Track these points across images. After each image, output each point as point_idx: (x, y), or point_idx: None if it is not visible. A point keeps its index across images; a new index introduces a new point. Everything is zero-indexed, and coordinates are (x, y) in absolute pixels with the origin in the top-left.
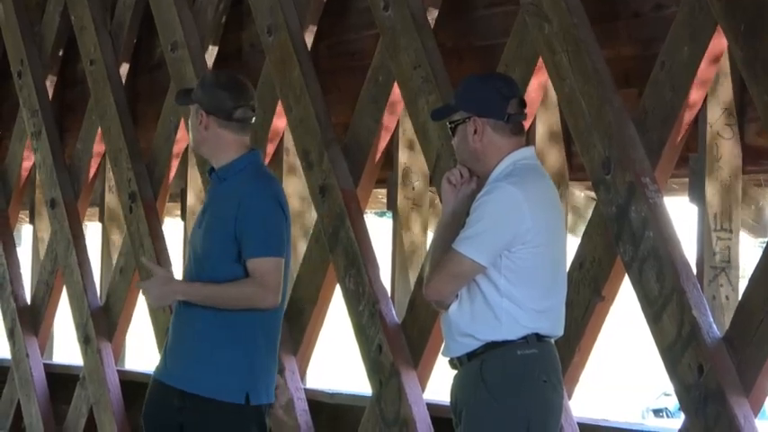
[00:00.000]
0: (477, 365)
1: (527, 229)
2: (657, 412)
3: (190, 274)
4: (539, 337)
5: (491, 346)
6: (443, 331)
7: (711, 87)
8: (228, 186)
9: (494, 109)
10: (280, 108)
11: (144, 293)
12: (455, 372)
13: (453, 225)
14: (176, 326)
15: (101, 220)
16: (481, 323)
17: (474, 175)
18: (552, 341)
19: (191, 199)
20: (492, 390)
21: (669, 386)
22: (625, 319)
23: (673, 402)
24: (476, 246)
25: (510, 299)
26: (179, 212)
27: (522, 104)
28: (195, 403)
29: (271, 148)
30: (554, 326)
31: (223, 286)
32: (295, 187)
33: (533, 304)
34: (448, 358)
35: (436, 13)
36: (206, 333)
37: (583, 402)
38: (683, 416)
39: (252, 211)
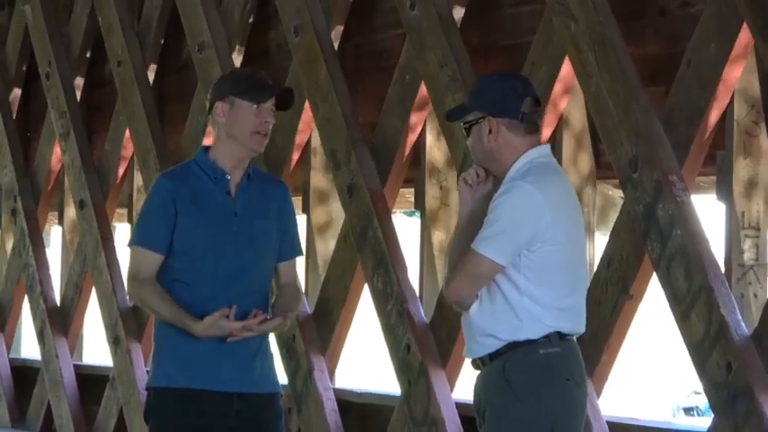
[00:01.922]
0: (500, 365)
1: (545, 227)
2: (688, 410)
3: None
4: (561, 336)
5: (513, 346)
6: (465, 332)
7: (738, 84)
8: None
9: (508, 108)
10: (307, 108)
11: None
12: (478, 372)
13: (471, 225)
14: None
15: (129, 221)
16: (502, 323)
17: (490, 175)
18: (574, 339)
19: None
20: (515, 389)
21: (699, 384)
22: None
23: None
24: (494, 246)
25: (530, 298)
26: None
27: (537, 103)
28: (253, 401)
29: (298, 149)
30: (576, 324)
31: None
32: (322, 187)
33: (555, 302)
34: (470, 359)
35: (462, 12)
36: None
37: (613, 401)
38: (713, 414)
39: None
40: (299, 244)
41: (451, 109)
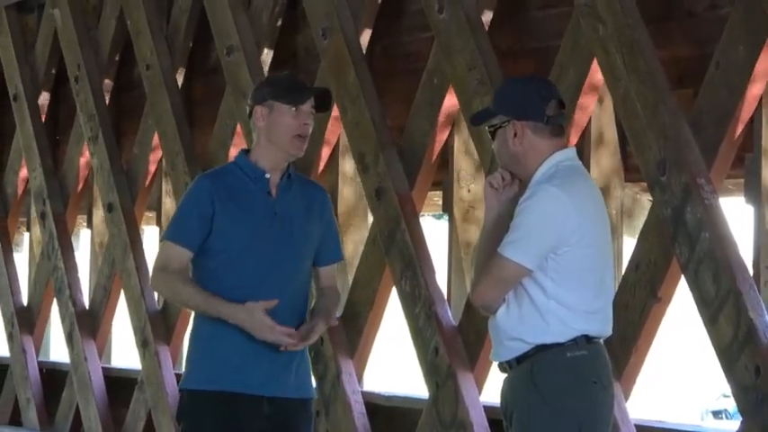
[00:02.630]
0: (527, 368)
1: (572, 230)
2: (717, 414)
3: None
4: (588, 339)
5: (540, 349)
6: (492, 336)
7: (767, 87)
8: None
9: (533, 111)
10: (335, 111)
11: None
12: (505, 375)
13: (497, 229)
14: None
15: (158, 224)
16: (529, 326)
17: (516, 178)
18: (601, 342)
19: None
20: (543, 392)
21: (728, 388)
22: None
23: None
24: (521, 249)
25: (557, 301)
26: None
27: (562, 105)
28: (285, 406)
29: (326, 152)
30: (603, 327)
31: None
32: (350, 190)
33: (582, 305)
34: (497, 362)
35: (491, 15)
36: None
37: (641, 403)
38: (741, 417)
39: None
40: (340, 248)
41: (476, 113)
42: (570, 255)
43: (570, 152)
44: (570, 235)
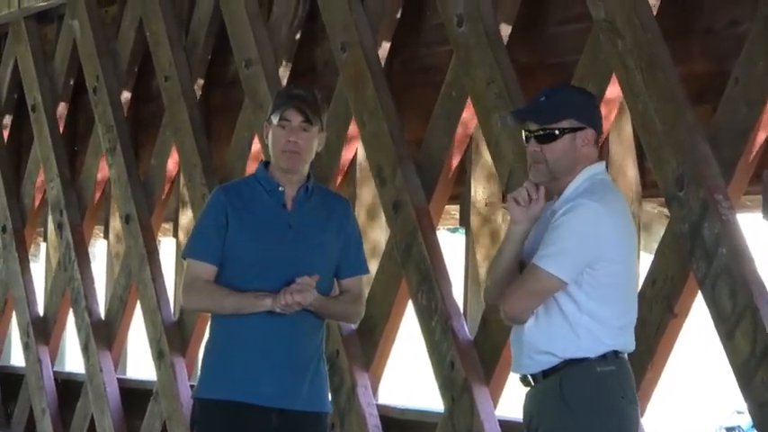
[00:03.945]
0: (555, 382)
1: (611, 245)
2: (730, 430)
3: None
4: (615, 354)
5: (569, 363)
6: (515, 347)
7: None
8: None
9: (598, 122)
10: (353, 124)
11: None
12: (527, 389)
13: (521, 244)
14: (285, 344)
15: (175, 235)
16: (559, 340)
17: (541, 194)
18: (626, 356)
19: None
20: (572, 407)
21: (742, 404)
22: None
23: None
24: (559, 262)
25: (590, 316)
26: None
27: None
28: (297, 418)
29: (344, 165)
30: (630, 342)
31: (343, 302)
32: (367, 203)
33: (614, 321)
34: (519, 375)
35: (510, 30)
36: (320, 350)
37: (656, 419)
38: None
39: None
40: (363, 261)
41: (535, 111)
42: (606, 270)
43: (602, 166)
44: (608, 250)
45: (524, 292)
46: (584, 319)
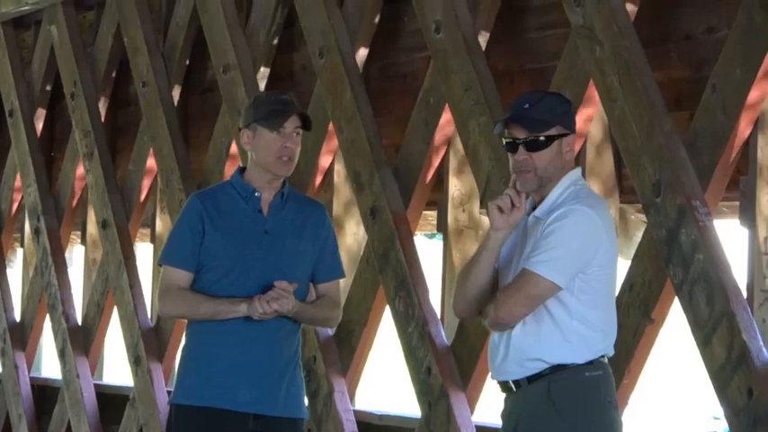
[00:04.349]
0: (543, 387)
1: (604, 250)
2: None
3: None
4: (601, 358)
5: (558, 369)
6: (498, 354)
7: (763, 110)
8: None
9: (575, 127)
10: (331, 130)
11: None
12: (507, 394)
13: (498, 252)
14: (261, 350)
15: (152, 241)
16: (549, 345)
17: (522, 200)
18: (606, 360)
19: None
20: (561, 412)
21: (719, 410)
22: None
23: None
24: (555, 268)
25: (581, 321)
26: None
27: None
28: (273, 424)
29: (321, 170)
30: (612, 346)
31: (320, 307)
32: (345, 209)
33: (603, 325)
34: (499, 380)
35: (488, 36)
36: (297, 356)
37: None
38: None
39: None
40: (339, 265)
41: (524, 118)
42: (596, 275)
43: (579, 172)
44: (601, 255)
45: (521, 298)
46: (574, 324)
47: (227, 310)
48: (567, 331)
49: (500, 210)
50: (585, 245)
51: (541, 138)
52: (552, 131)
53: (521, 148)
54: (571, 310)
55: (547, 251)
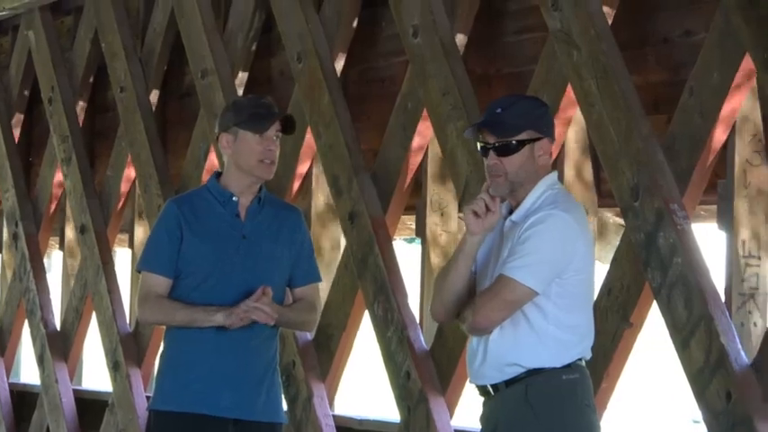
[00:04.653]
0: (520, 391)
1: (580, 255)
2: None
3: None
4: (578, 361)
5: (534, 372)
6: (477, 358)
7: (740, 113)
8: None
9: (552, 131)
10: (309, 134)
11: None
12: (484, 399)
13: (473, 256)
14: (240, 356)
15: (131, 246)
16: (525, 350)
17: (497, 205)
18: (584, 363)
19: None
20: (538, 415)
21: (697, 413)
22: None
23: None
24: (532, 273)
25: (557, 325)
26: None
27: None
28: (252, 429)
29: (299, 175)
30: (589, 349)
31: (298, 310)
32: (323, 214)
33: (580, 329)
34: (477, 385)
35: (465, 40)
36: (275, 362)
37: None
38: None
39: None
40: (316, 269)
41: (495, 123)
42: (573, 279)
43: (555, 176)
44: (578, 260)
45: (498, 303)
46: (550, 328)
47: (202, 319)
48: (544, 335)
49: (475, 214)
50: (562, 250)
51: (512, 142)
52: (523, 136)
53: (491, 153)
54: (548, 314)
55: (523, 256)
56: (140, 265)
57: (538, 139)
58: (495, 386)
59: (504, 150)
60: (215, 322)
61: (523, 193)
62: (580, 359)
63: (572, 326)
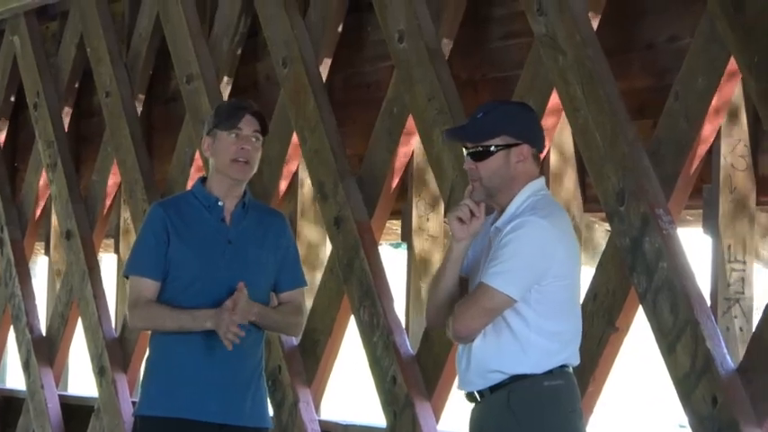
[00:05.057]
0: (503, 397)
1: (560, 262)
2: None
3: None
4: (562, 368)
5: (517, 378)
6: (462, 365)
7: (725, 118)
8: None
9: (538, 139)
10: (295, 140)
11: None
12: (473, 405)
13: (462, 262)
14: (226, 361)
15: (116, 251)
16: (508, 357)
17: (482, 211)
18: (571, 370)
19: None
20: (521, 421)
21: (684, 418)
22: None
23: None
24: (509, 280)
25: (538, 332)
26: None
27: None
28: None
29: (285, 180)
30: (576, 355)
31: (283, 313)
32: (310, 219)
33: (563, 336)
34: (465, 391)
35: (451, 45)
36: (261, 367)
37: None
38: None
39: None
40: (301, 274)
41: (466, 129)
42: (553, 286)
43: (542, 182)
44: (557, 267)
45: (477, 310)
46: (532, 335)
47: (190, 327)
48: (525, 342)
49: (460, 220)
50: (540, 256)
51: (487, 147)
52: (497, 141)
53: (467, 158)
54: (529, 321)
55: (501, 263)
56: (128, 270)
57: (514, 144)
58: (480, 392)
59: (478, 156)
60: (204, 328)
61: (506, 199)
62: (565, 366)
63: (554, 332)
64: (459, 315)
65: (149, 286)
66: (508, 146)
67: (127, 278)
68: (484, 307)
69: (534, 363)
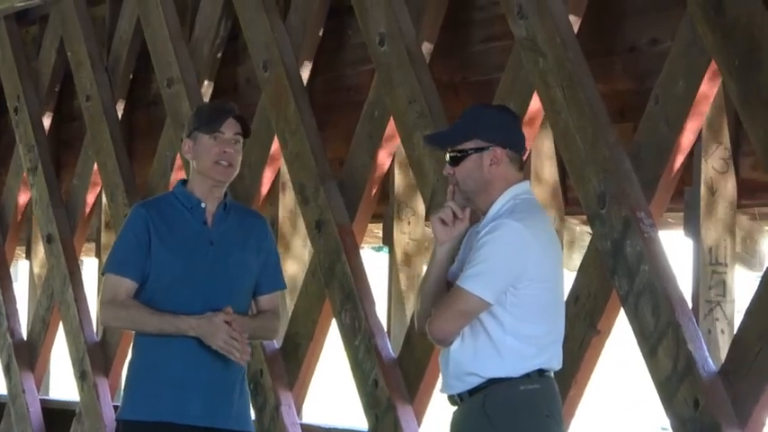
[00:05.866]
0: (479, 401)
1: (534, 265)
2: None
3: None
4: (540, 372)
5: (493, 382)
6: (442, 369)
7: (706, 121)
8: None
9: (515, 141)
10: (275, 143)
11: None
12: (454, 408)
13: (446, 265)
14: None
15: (97, 255)
16: (484, 360)
17: (466, 214)
18: (552, 375)
19: None
20: (495, 425)
21: (666, 420)
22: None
23: None
24: (483, 283)
25: (514, 336)
26: None
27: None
28: None
29: (266, 184)
30: (556, 360)
31: (262, 319)
32: (291, 222)
33: (539, 340)
34: (446, 394)
35: (432, 48)
36: (243, 370)
37: None
38: None
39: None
40: (281, 277)
41: (442, 134)
42: (529, 289)
43: (526, 185)
44: (532, 270)
45: (451, 313)
46: (507, 338)
47: (170, 331)
48: (501, 346)
49: (443, 222)
50: (514, 259)
51: (458, 152)
52: (468, 145)
53: (446, 163)
54: (505, 325)
55: (474, 266)
56: (107, 268)
57: (485, 147)
58: (460, 396)
59: (453, 160)
60: (185, 333)
61: (485, 203)
62: (544, 370)
63: (531, 336)
64: (434, 318)
65: (128, 286)
66: (480, 149)
67: (104, 275)
68: (458, 310)
69: (510, 366)
